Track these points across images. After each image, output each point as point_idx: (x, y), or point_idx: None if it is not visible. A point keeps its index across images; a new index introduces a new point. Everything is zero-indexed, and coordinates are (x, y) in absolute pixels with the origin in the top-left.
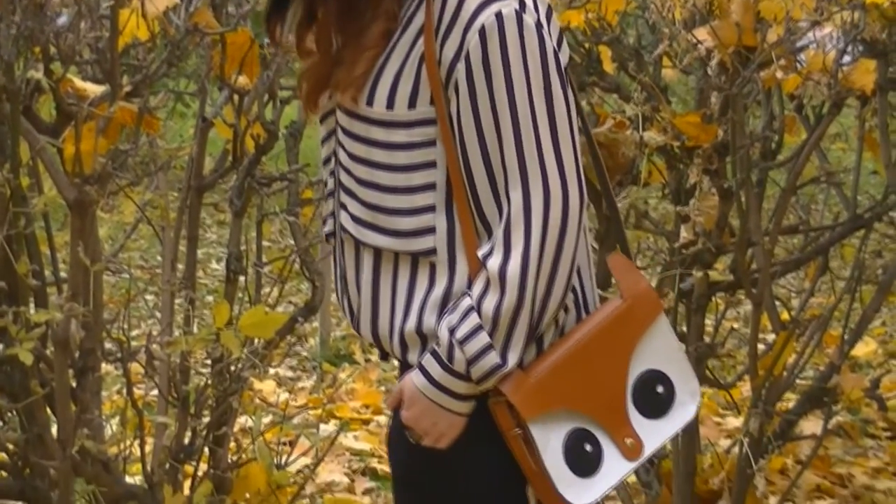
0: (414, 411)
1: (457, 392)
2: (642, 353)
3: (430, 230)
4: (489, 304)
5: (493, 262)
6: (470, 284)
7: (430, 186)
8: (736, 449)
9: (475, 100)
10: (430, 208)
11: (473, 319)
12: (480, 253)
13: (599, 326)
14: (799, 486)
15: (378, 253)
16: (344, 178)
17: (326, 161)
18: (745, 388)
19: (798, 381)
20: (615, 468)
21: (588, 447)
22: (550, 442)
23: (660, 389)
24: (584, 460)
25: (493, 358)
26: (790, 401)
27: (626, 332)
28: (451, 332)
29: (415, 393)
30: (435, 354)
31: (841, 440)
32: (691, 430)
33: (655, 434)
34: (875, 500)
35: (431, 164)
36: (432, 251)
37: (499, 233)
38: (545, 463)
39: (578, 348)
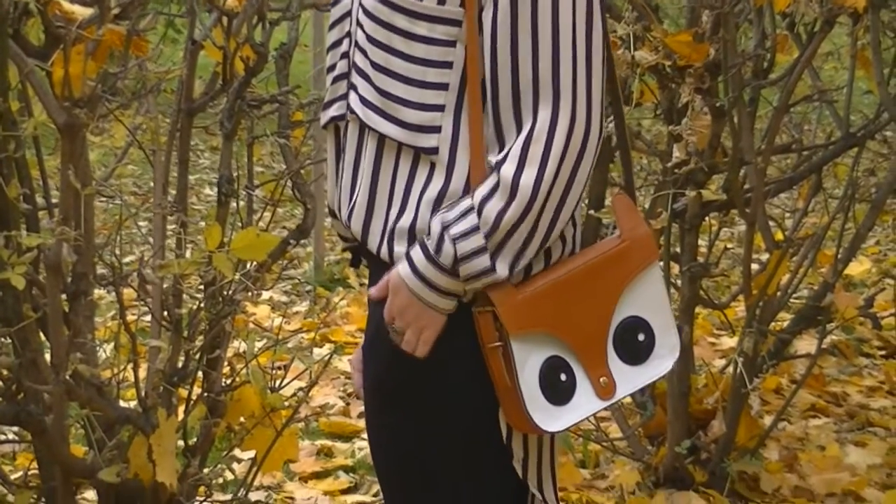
0: (396, 302)
1: (439, 286)
2: (631, 297)
3: (436, 129)
4: (493, 208)
5: (508, 170)
6: (466, 188)
7: (443, 86)
8: (730, 369)
9: (516, 9)
10: (440, 107)
11: (471, 220)
12: (493, 159)
13: (594, 260)
14: (793, 404)
15: (381, 141)
16: (359, 59)
17: (335, 45)
18: (739, 309)
19: (792, 300)
20: (586, 403)
21: (563, 377)
22: (528, 362)
23: (641, 337)
24: (557, 389)
25: (484, 261)
26: (784, 320)
27: (618, 272)
28: (445, 227)
29: (398, 283)
30: (423, 246)
31: (835, 359)
32: (686, 351)
33: (629, 380)
34: (870, 418)
35: (448, 65)
36: (434, 150)
37: (517, 144)
38: (520, 381)
39: (571, 277)
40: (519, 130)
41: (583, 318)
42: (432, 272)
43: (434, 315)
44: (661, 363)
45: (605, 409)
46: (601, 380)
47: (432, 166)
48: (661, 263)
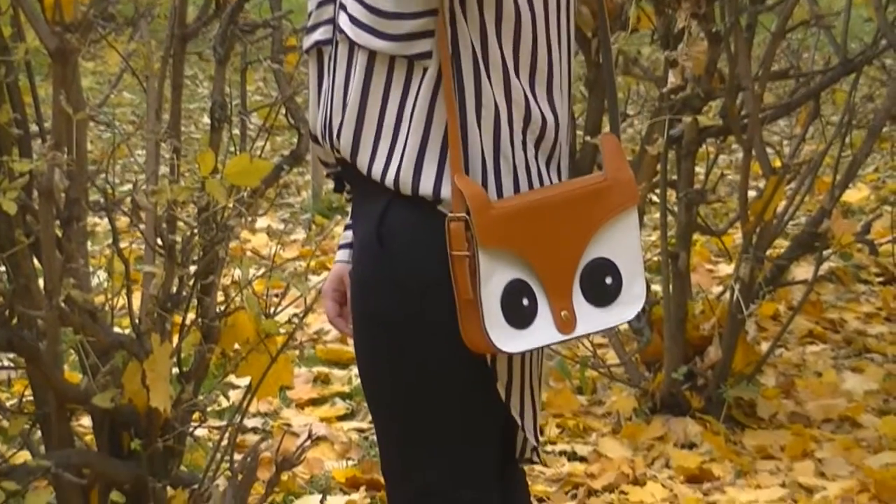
0: None
1: None
2: (605, 237)
3: (429, 33)
4: None
5: None
6: None
7: None
8: (727, 295)
9: None
10: (433, 11)
11: None
12: None
13: (574, 192)
14: (791, 331)
15: (372, 58)
16: None
17: None
18: (736, 236)
19: (789, 227)
20: (543, 333)
21: (525, 301)
22: (493, 279)
23: (608, 281)
24: (517, 312)
25: None
26: (781, 247)
27: (597, 209)
28: None
29: None
30: None
31: (833, 285)
32: (683, 277)
33: (591, 320)
34: (867, 344)
35: None
36: (428, 55)
37: None
38: (482, 295)
39: (548, 202)
40: None
41: (554, 247)
42: None
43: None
44: (624, 310)
45: (561, 343)
46: (562, 313)
47: (424, 73)
48: (660, 193)
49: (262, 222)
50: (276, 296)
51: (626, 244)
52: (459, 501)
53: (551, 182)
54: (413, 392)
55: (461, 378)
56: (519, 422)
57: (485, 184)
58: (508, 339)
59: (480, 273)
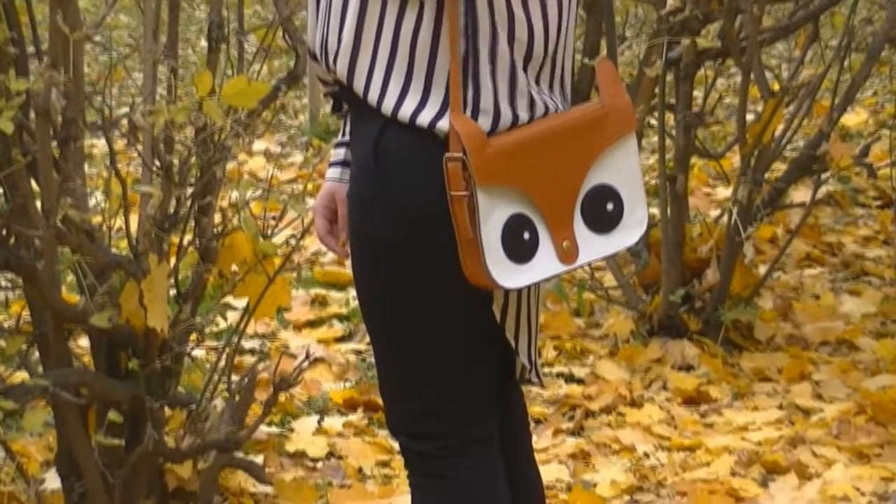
0: None
1: None
2: (604, 165)
3: None
4: None
5: None
6: None
7: None
8: (725, 218)
9: None
10: None
11: None
12: None
13: (572, 122)
14: (788, 254)
15: None
16: None
17: None
18: (734, 160)
19: (787, 151)
20: (545, 265)
21: (526, 235)
22: (492, 216)
23: (609, 207)
24: (518, 246)
25: None
26: (779, 171)
27: (595, 138)
28: None
29: None
30: None
31: (831, 209)
32: (680, 200)
33: (593, 248)
34: (864, 267)
35: None
36: None
37: None
38: (481, 233)
39: (546, 135)
40: None
41: (553, 178)
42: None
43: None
44: (627, 235)
45: (564, 274)
46: (564, 243)
47: (421, 4)
48: (657, 116)
49: (259, 145)
50: (274, 218)
51: (625, 170)
52: (457, 422)
53: (556, 106)
54: (410, 313)
55: (458, 299)
56: (513, 344)
57: (497, 114)
58: (510, 275)
59: (479, 211)
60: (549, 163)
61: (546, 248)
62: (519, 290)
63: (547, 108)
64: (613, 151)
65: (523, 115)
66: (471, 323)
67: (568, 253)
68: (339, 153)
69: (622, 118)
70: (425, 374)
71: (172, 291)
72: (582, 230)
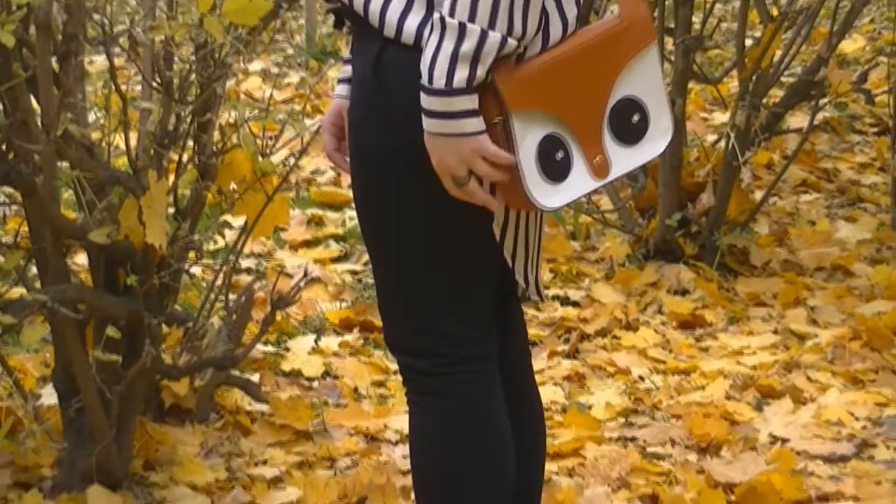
0: (437, 157)
1: (452, 110)
2: (627, 78)
3: None
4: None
5: None
6: None
7: None
8: (722, 143)
9: None
10: None
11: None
12: None
13: (594, 40)
14: (784, 180)
15: None
16: None
17: None
18: (732, 85)
19: (785, 78)
20: (580, 182)
21: (559, 155)
22: (526, 139)
23: (635, 119)
24: (553, 166)
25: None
26: (777, 98)
27: (617, 52)
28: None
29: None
30: (423, 88)
31: (827, 135)
32: (678, 124)
33: (623, 161)
34: (861, 194)
35: None
36: None
37: None
38: (519, 157)
39: (570, 55)
40: None
41: (580, 97)
42: (438, 102)
43: (473, 140)
44: (653, 145)
45: (598, 189)
46: (596, 159)
47: None
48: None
49: (255, 65)
50: (271, 138)
51: (648, 80)
52: (456, 339)
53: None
54: (409, 230)
55: (456, 217)
56: (510, 263)
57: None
58: (550, 195)
59: (515, 137)
60: (576, 82)
61: (579, 165)
62: (518, 212)
63: (566, 23)
64: (636, 64)
65: (533, 48)
66: (469, 240)
67: (600, 168)
68: (347, 70)
69: (642, 29)
70: (424, 290)
71: (171, 209)
72: (611, 144)
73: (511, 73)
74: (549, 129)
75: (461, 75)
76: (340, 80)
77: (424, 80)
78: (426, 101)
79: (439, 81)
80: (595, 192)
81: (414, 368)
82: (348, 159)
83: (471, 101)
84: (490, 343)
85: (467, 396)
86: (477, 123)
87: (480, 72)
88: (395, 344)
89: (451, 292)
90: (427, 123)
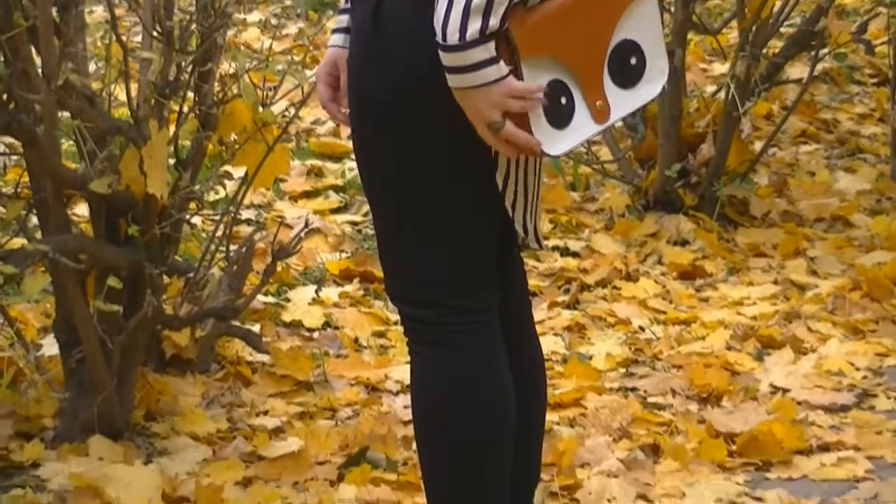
0: (468, 109)
1: (470, 63)
2: (626, 22)
3: None
4: None
5: None
6: None
7: None
8: (722, 94)
9: None
10: None
11: None
12: None
13: None
14: (784, 130)
15: None
16: None
17: None
18: (731, 35)
19: (785, 28)
20: (583, 127)
21: (563, 100)
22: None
23: (633, 61)
24: (557, 112)
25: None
26: (777, 48)
27: None
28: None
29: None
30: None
31: (827, 86)
32: (677, 75)
33: (622, 104)
34: (860, 144)
35: None
36: None
37: None
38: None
39: (576, 1)
40: None
41: (587, 40)
42: (455, 57)
43: (500, 85)
44: (651, 87)
45: (599, 133)
46: (597, 103)
47: None
48: None
49: (254, 16)
50: (271, 88)
51: (646, 23)
52: (457, 289)
53: None
54: (408, 179)
55: (458, 166)
56: (510, 212)
57: None
58: (555, 142)
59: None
60: (581, 27)
61: (582, 110)
62: (518, 160)
63: None
64: (635, 7)
65: None
66: (470, 190)
67: (601, 112)
68: (343, 20)
69: None
70: (424, 240)
71: (172, 159)
72: (611, 88)
73: (523, 20)
74: (554, 75)
75: (474, 27)
76: (336, 30)
77: (439, 37)
78: (444, 58)
79: (453, 37)
80: (595, 138)
81: (415, 318)
82: (344, 110)
83: (486, 51)
84: (491, 293)
85: (468, 346)
86: (498, 70)
87: (493, 22)
88: (396, 294)
89: (452, 242)
90: (450, 80)
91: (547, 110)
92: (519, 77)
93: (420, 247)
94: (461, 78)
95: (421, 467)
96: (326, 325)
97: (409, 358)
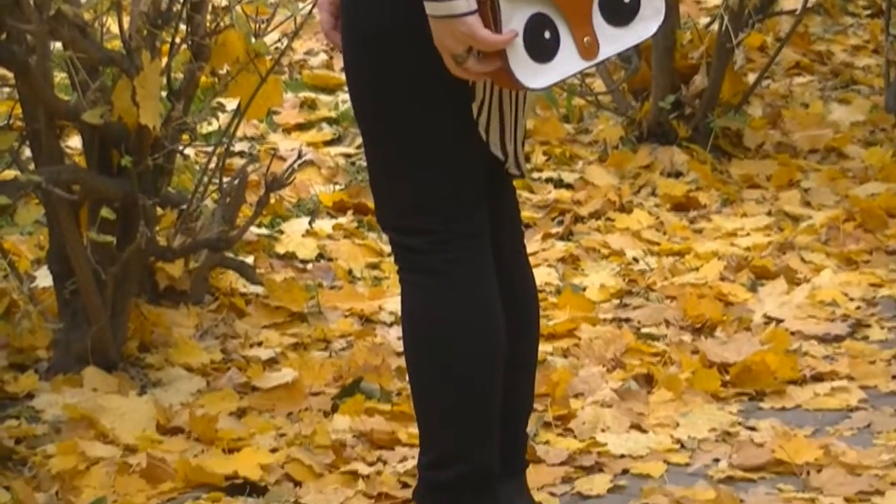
0: (436, 38)
1: None
2: None
3: None
4: None
5: None
6: None
7: None
8: (715, 26)
9: None
10: None
11: None
12: None
13: None
14: (778, 62)
15: None
16: None
17: None
18: None
19: None
20: (568, 63)
21: (547, 35)
22: (514, 18)
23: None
24: (540, 47)
25: None
26: None
27: None
28: None
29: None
30: None
31: (821, 18)
32: (670, 6)
33: (613, 41)
34: (854, 76)
35: None
36: None
37: None
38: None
39: None
40: None
41: None
42: None
43: (462, 22)
44: (645, 25)
45: (587, 70)
46: (584, 39)
47: None
48: None
49: None
50: (264, 21)
51: None
52: (446, 216)
53: None
54: (395, 105)
55: (440, 93)
56: (483, 136)
57: None
58: (535, 75)
59: (501, 16)
60: None
61: (567, 45)
62: (492, 88)
63: None
64: None
65: None
66: (453, 118)
67: (589, 48)
68: None
69: None
70: (411, 167)
71: (164, 90)
72: (601, 25)
73: None
74: (538, 8)
75: None
76: None
77: None
78: None
79: None
80: (584, 73)
81: (405, 246)
82: None
83: None
84: (479, 220)
85: (458, 274)
86: (466, 4)
87: None
88: (387, 222)
89: (439, 170)
90: (426, 7)
91: (528, 43)
92: (496, 9)
93: (408, 173)
94: (433, 6)
95: (412, 395)
96: (320, 256)
97: (400, 286)
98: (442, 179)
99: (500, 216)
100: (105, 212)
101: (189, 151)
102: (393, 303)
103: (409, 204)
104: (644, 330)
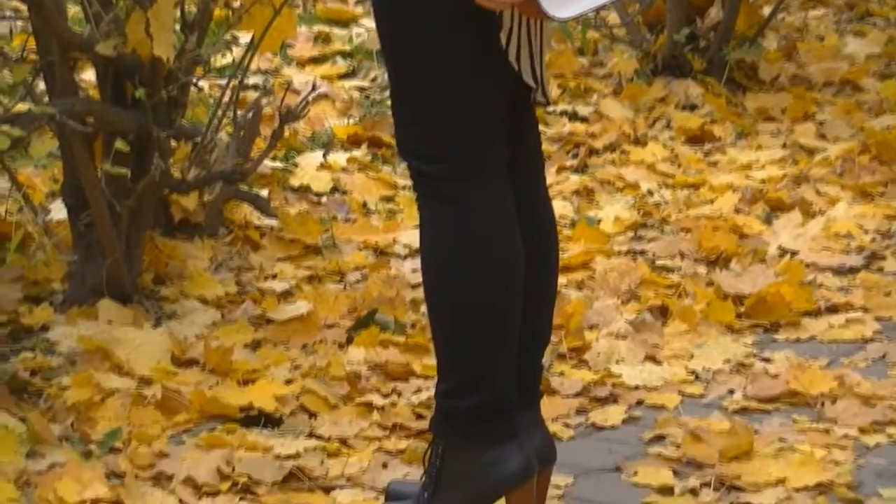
0: None
1: None
2: None
3: None
4: None
5: None
6: None
7: None
8: None
9: None
10: None
11: None
12: None
13: None
14: None
15: None
16: None
17: None
18: None
19: None
20: None
21: None
22: None
23: None
24: None
25: None
26: None
27: None
28: None
29: None
30: None
31: None
32: None
33: None
34: (870, 9)
35: None
36: None
37: None
38: None
39: None
40: None
41: None
42: None
43: None
44: None
45: (611, 2)
46: None
47: None
48: None
49: None
50: None
51: None
52: (465, 143)
53: None
54: (418, 31)
55: (465, 21)
56: (515, 66)
57: None
58: (562, 5)
59: None
60: None
61: None
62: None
63: None
64: None
65: None
66: (476, 44)
67: None
68: None
69: None
70: (431, 92)
71: (178, 23)
72: None
73: None
74: None
75: None
76: None
77: None
78: None
79: None
80: (604, 6)
81: (424, 173)
82: None
83: None
84: (498, 148)
85: (478, 200)
86: None
87: None
88: (407, 148)
89: (460, 95)
90: None
91: None
92: None
93: (425, 98)
94: None
95: (430, 323)
96: (334, 189)
97: (417, 222)
98: (463, 106)
99: (522, 146)
100: (119, 144)
101: (203, 84)
102: (407, 235)
103: (427, 129)
104: (659, 262)
